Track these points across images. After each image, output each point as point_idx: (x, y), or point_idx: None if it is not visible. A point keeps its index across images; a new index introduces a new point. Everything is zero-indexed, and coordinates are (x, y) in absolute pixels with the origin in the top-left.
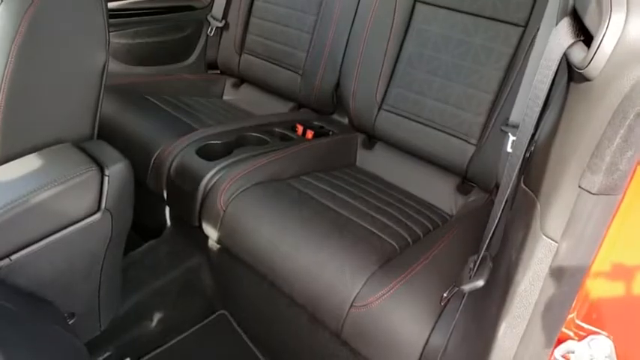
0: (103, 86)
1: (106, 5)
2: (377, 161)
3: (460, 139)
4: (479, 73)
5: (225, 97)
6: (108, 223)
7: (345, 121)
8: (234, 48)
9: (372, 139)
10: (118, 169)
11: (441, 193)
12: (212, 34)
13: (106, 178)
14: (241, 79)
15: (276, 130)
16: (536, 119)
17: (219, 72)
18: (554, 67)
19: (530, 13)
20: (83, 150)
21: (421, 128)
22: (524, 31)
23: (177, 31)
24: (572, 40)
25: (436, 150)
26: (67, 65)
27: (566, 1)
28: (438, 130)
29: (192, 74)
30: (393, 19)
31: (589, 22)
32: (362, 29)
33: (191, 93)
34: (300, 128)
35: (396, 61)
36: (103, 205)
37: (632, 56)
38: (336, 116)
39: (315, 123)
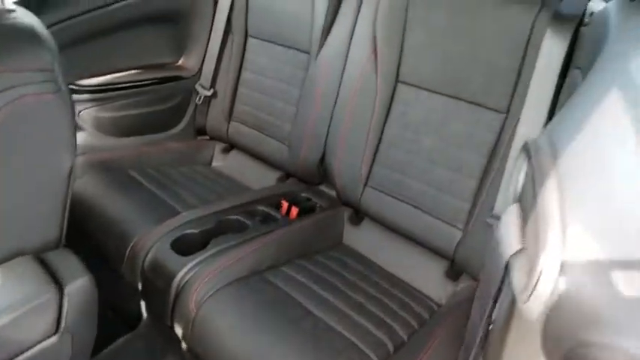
0: (69, 191)
1: (73, 106)
2: (363, 239)
3: (446, 223)
4: (461, 158)
5: (214, 164)
6: (67, 345)
7: (333, 192)
8: (222, 116)
9: (359, 213)
10: (78, 286)
11: (429, 278)
12: (200, 102)
13: (66, 297)
14: (231, 145)
15: (259, 208)
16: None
17: (208, 138)
18: (500, 275)
19: (511, 101)
20: (44, 262)
21: (407, 208)
22: (505, 118)
23: (165, 100)
24: (517, 247)
25: (423, 232)
26: (32, 173)
27: (516, 181)
28: (424, 211)
29: (181, 142)
30: (375, 99)
31: (529, 234)
32: (345, 107)
33: (179, 161)
34: (284, 205)
35: (379, 141)
36: (62, 327)
37: (572, 315)
38: (323, 187)
39: (303, 195)
